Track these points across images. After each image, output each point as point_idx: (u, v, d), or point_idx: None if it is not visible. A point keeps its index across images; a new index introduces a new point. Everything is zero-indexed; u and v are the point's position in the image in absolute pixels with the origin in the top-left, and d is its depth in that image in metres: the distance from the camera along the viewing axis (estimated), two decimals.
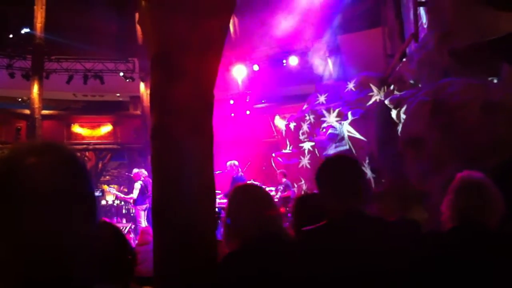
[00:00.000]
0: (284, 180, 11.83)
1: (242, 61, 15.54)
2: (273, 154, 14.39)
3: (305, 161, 12.83)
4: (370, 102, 11.28)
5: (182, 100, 2.54)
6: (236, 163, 9.74)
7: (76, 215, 0.93)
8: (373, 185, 9.28)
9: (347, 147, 10.34)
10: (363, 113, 10.17)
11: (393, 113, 8.65)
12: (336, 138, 10.71)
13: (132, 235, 10.31)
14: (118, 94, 20.30)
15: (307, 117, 13.27)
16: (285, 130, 14.54)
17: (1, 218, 0.89)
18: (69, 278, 0.91)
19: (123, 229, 8.75)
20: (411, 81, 9.29)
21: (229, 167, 9.62)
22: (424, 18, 9.23)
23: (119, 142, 17.61)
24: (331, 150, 10.37)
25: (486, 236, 2.20)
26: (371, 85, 12.13)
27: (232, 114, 16.61)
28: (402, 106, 8.15)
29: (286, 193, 11.16)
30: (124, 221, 15.14)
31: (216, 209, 3.13)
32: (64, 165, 0.96)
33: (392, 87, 10.69)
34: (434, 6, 8.48)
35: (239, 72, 15.65)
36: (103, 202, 22.10)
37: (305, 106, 13.90)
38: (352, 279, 1.86)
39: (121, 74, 17.61)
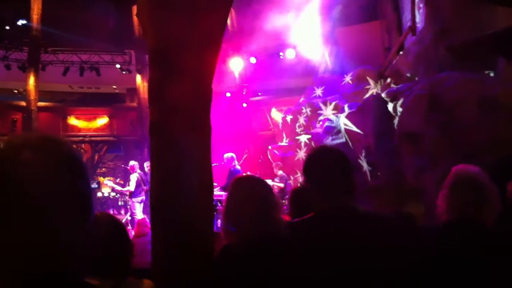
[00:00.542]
0: (280, 172, 11.85)
1: (239, 54, 15.50)
2: (270, 147, 14.41)
3: (301, 154, 12.87)
4: (367, 95, 11.29)
5: (180, 97, 2.54)
6: (233, 155, 9.74)
7: (71, 212, 0.93)
8: (369, 179, 9.32)
9: (344, 140, 10.36)
10: (360, 106, 10.19)
11: (390, 107, 8.67)
12: (333, 131, 10.73)
13: (129, 227, 10.32)
14: (114, 86, 20.23)
15: (304, 110, 13.29)
16: (282, 123, 14.56)
17: None
18: (64, 273, 0.92)
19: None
20: (408, 75, 9.31)
21: (226, 159, 9.62)
22: (417, 17, 9.23)
23: (115, 134, 17.60)
24: (328, 143, 10.38)
25: (480, 232, 2.18)
26: (368, 78, 12.15)
27: (229, 107, 16.58)
28: (399, 100, 8.17)
29: (282, 186, 11.19)
30: (122, 212, 15.16)
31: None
32: (60, 161, 0.95)
33: (389, 80, 10.71)
34: (432, 1, 8.48)
35: (236, 65, 15.62)
36: (99, 194, 22.13)
37: (301, 99, 13.92)
38: (337, 276, 1.84)
39: (118, 66, 17.53)
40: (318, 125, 11.81)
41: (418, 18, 9.40)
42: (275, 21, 13.08)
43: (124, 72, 17.57)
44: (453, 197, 2.27)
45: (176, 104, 2.52)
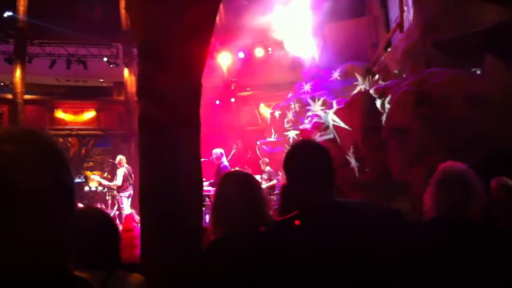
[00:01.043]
0: (267, 168, 11.86)
1: (227, 48, 15.46)
2: (258, 142, 14.42)
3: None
4: (355, 91, 11.34)
5: (170, 89, 2.53)
6: (222, 151, 9.72)
7: (56, 205, 0.92)
8: (357, 175, 9.37)
9: (332, 136, 10.40)
10: (348, 102, 10.22)
11: (378, 103, 8.71)
12: (321, 126, 10.76)
13: (117, 221, 10.27)
14: (101, 80, 20.09)
15: (292, 106, 13.31)
16: (270, 118, 14.56)
17: None
18: (50, 267, 0.91)
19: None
20: (396, 71, 9.36)
21: (214, 155, 9.59)
22: (405, 13, 9.28)
23: (102, 128, 17.46)
24: (316, 139, 10.41)
25: (465, 228, 2.20)
26: (356, 74, 12.20)
27: (217, 102, 16.55)
28: (387, 96, 8.21)
29: (271, 182, 11.20)
30: (109, 206, 15.07)
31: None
32: (43, 153, 0.94)
33: (377, 76, 10.77)
34: None
35: (224, 59, 15.58)
36: (87, 188, 21.98)
37: (290, 95, 13.93)
38: (323, 272, 1.80)
39: (105, 59, 17.38)
40: (306, 121, 11.84)
41: (405, 14, 9.45)
42: (264, 15, 13.07)
43: (111, 66, 17.41)
44: (440, 193, 2.29)
45: (165, 96, 2.51)
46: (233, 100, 16.75)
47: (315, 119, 11.07)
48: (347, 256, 1.82)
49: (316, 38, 13.69)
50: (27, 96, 15.63)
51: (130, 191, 11.43)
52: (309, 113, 12.15)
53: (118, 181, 11.37)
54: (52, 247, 0.91)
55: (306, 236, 1.91)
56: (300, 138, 11.95)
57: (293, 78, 14.59)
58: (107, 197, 18.58)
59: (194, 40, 2.68)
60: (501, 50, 6.89)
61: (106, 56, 17.48)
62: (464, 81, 6.95)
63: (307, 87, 13.31)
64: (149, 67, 2.60)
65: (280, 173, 12.48)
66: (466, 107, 6.63)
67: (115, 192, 12.52)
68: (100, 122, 17.41)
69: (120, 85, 17.67)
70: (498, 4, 6.96)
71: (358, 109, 9.39)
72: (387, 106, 8.12)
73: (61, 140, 17.97)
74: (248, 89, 17.69)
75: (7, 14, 15.69)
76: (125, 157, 12.19)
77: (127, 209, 10.96)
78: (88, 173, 22.62)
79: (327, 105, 11.86)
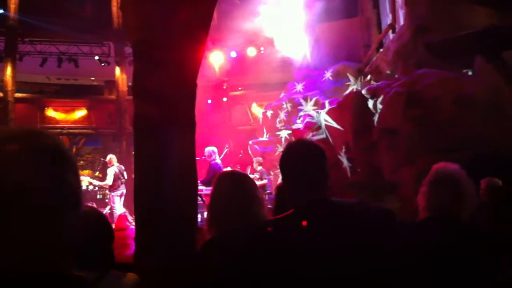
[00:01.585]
0: (259, 168, 11.86)
1: (219, 48, 15.44)
2: (250, 142, 14.42)
3: (281, 149, 12.88)
4: (347, 92, 11.37)
5: (165, 88, 2.54)
6: (215, 149, 9.70)
7: (59, 205, 0.92)
8: (349, 175, 9.40)
9: (324, 136, 10.43)
10: (340, 102, 10.25)
11: (370, 103, 8.75)
12: (314, 126, 10.79)
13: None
14: (92, 78, 19.97)
15: (284, 105, 13.34)
16: (262, 118, 14.57)
17: None
18: (54, 267, 0.92)
19: None
20: (388, 72, 9.41)
21: (207, 153, 9.58)
22: (397, 14, 9.33)
23: (93, 126, 17.36)
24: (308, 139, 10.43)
25: (455, 228, 2.23)
26: (348, 74, 12.25)
27: (209, 101, 16.53)
28: (379, 96, 8.25)
29: (262, 182, 11.20)
30: (102, 206, 14.99)
31: None
32: (46, 153, 0.93)
33: (369, 77, 10.82)
34: None
35: (216, 59, 15.56)
36: None
37: (282, 94, 13.94)
38: (316, 272, 1.81)
39: (96, 58, 17.30)
40: (298, 121, 11.86)
41: (397, 16, 9.50)
42: (256, 15, 13.07)
43: (103, 64, 17.34)
44: (432, 194, 2.32)
45: (160, 96, 2.52)
46: (225, 99, 16.73)
47: (307, 119, 11.10)
48: (344, 256, 1.83)
49: (308, 38, 13.71)
50: (17, 94, 15.52)
51: (122, 190, 11.35)
52: (301, 113, 12.17)
53: (109, 180, 11.28)
54: (50, 247, 0.91)
55: (304, 236, 1.91)
56: (293, 138, 11.98)
57: (285, 78, 14.60)
58: (98, 196, 18.45)
59: (190, 40, 2.68)
60: (491, 52, 6.96)
61: (97, 54, 17.41)
62: (454, 82, 7.01)
63: (299, 87, 13.34)
64: (144, 67, 2.60)
65: (272, 173, 12.51)
66: (456, 108, 6.70)
67: (107, 191, 12.43)
68: (91, 121, 17.31)
69: (111, 83, 17.57)
70: (488, 6, 7.04)
71: (350, 110, 9.42)
72: (379, 106, 8.16)
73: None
74: (240, 88, 17.67)
75: None
76: (116, 156, 12.12)
77: (119, 208, 10.89)
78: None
79: (319, 105, 11.89)
